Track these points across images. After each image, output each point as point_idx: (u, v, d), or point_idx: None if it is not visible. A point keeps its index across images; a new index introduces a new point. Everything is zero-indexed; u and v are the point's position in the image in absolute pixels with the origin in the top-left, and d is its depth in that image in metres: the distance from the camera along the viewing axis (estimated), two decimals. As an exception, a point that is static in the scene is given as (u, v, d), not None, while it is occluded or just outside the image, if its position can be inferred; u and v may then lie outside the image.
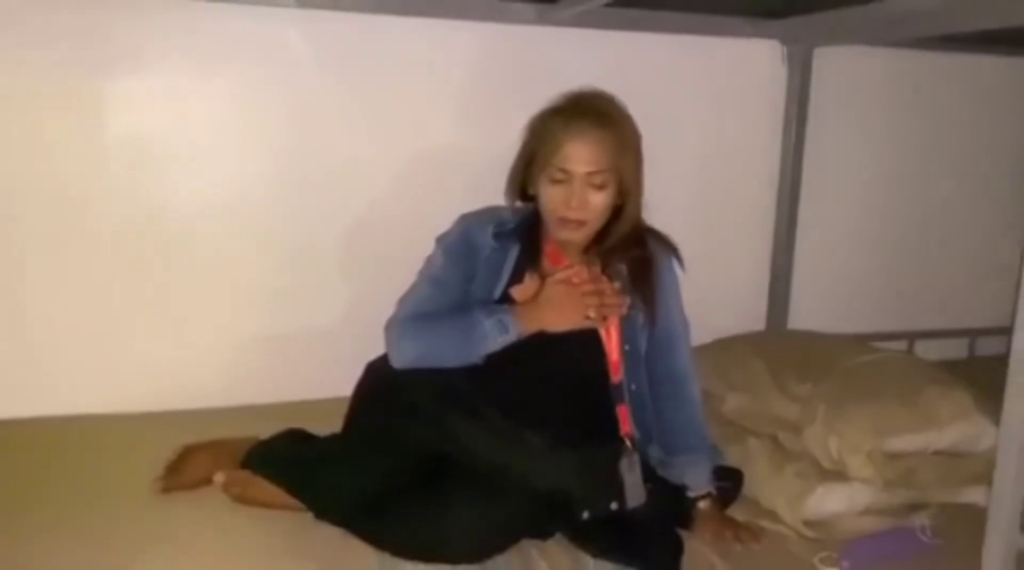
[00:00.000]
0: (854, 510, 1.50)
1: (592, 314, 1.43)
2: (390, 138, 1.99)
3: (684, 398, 1.54)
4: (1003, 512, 1.26)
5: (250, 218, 1.94)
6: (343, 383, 1.64)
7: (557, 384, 1.48)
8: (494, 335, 1.42)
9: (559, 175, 1.44)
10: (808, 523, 1.48)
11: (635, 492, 1.42)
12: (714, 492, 1.51)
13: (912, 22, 1.84)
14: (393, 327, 1.50)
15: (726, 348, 1.95)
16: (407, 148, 2.00)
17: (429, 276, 1.55)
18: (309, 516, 1.41)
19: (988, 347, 2.59)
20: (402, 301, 1.55)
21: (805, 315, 2.35)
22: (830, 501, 1.47)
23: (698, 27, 2.09)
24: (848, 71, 2.30)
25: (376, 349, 1.57)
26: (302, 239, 1.98)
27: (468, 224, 1.56)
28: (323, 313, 2.02)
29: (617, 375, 1.51)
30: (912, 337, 2.51)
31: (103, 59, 1.79)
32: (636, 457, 1.44)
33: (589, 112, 1.46)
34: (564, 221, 1.46)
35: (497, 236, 1.54)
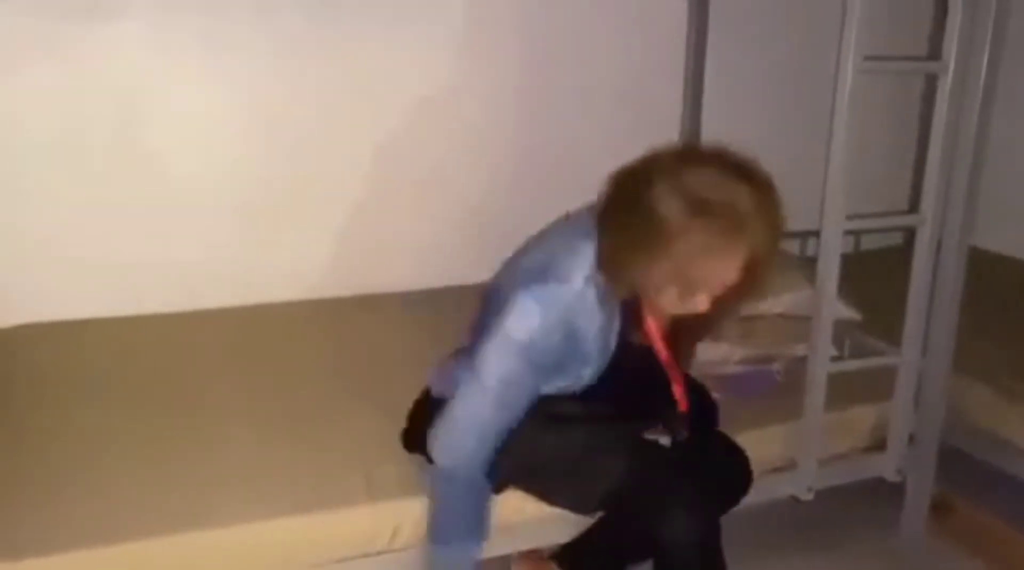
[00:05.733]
0: (731, 359, 1.92)
1: None
2: (362, 78, 2.32)
3: None
4: (818, 351, 1.70)
5: (223, 150, 2.26)
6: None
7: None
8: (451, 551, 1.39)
9: (698, 297, 1.30)
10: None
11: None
12: None
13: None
14: (459, 442, 1.36)
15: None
16: (376, 88, 2.34)
17: (504, 379, 1.33)
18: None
19: (871, 242, 3.03)
20: (472, 394, 1.36)
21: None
22: (707, 352, 1.84)
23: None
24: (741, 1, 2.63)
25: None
26: (272, 172, 2.31)
27: (565, 314, 1.32)
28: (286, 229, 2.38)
29: (684, 405, 1.49)
30: (803, 236, 2.92)
31: (89, 10, 2.05)
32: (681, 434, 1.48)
33: (752, 229, 1.25)
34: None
35: (605, 312, 1.35)
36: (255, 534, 1.42)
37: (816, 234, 1.77)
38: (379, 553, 1.48)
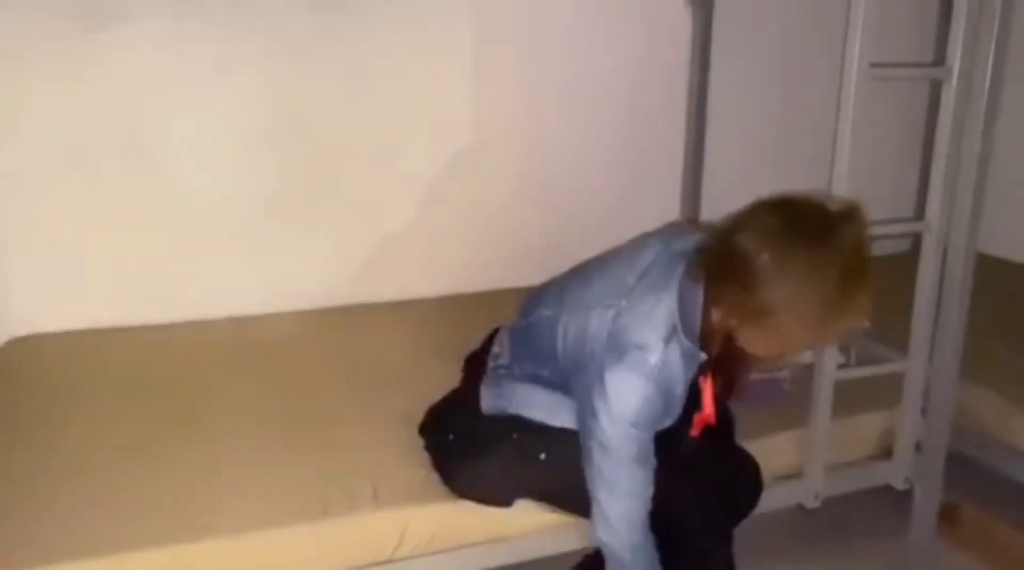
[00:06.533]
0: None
1: None
2: (369, 87, 2.33)
3: None
4: (825, 358, 1.70)
5: (230, 160, 2.26)
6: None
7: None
8: None
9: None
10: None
11: None
12: None
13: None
14: (620, 531, 1.38)
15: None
16: (384, 97, 2.34)
17: (638, 459, 1.36)
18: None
19: (877, 248, 3.01)
20: (611, 480, 1.37)
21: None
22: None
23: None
24: (744, 7, 2.62)
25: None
26: (280, 181, 2.31)
27: (657, 380, 1.33)
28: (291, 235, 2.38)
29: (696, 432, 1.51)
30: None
31: (92, 13, 2.05)
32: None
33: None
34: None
35: (686, 368, 1.37)
36: (262, 542, 1.42)
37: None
38: (386, 561, 1.48)
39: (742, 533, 1.54)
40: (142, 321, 2.19)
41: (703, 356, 1.37)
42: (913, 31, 2.84)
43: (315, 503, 1.47)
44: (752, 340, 1.32)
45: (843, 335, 1.36)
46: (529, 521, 1.52)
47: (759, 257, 1.23)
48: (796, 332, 1.28)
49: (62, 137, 2.11)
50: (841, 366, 1.77)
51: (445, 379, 1.68)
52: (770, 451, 1.71)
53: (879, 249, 2.86)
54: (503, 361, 1.56)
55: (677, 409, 1.41)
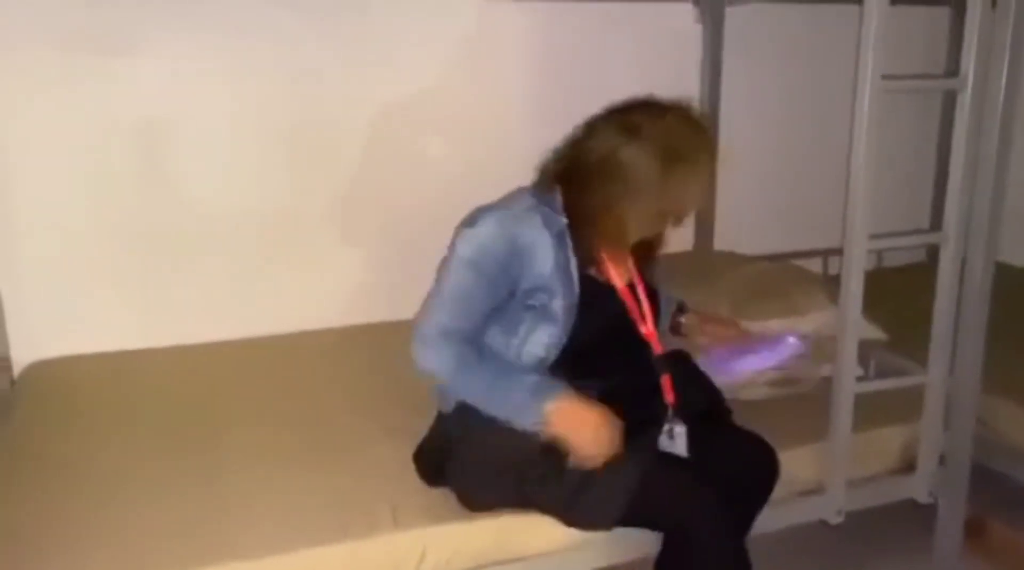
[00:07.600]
0: (758, 380, 1.86)
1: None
2: (380, 101, 2.35)
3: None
4: (844, 370, 1.68)
5: (246, 179, 2.29)
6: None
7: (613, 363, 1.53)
8: (533, 413, 1.40)
9: (670, 220, 1.49)
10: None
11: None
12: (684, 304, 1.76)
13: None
14: (428, 345, 1.47)
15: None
16: (394, 111, 2.37)
17: (456, 295, 1.46)
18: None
19: (893, 259, 3.00)
20: (427, 312, 1.48)
21: (729, 237, 2.75)
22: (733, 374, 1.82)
23: (623, -6, 2.45)
24: (754, 23, 2.65)
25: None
26: (294, 199, 2.34)
27: (506, 226, 1.44)
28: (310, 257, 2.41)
29: (658, 348, 1.55)
30: (825, 254, 2.91)
31: (108, 46, 2.09)
32: (681, 429, 1.49)
33: (712, 156, 1.44)
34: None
35: (553, 236, 1.45)
36: (282, 566, 1.41)
37: (838, 252, 1.76)
38: (405, 583, 1.47)
39: (763, 547, 1.51)
40: (161, 343, 2.21)
41: (563, 221, 1.46)
42: (925, 44, 2.84)
43: (335, 525, 1.47)
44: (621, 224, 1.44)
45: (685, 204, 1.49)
46: (547, 540, 1.51)
47: (593, 157, 1.43)
48: (642, 213, 1.43)
49: (81, 160, 2.14)
50: (860, 379, 1.76)
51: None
52: (790, 465, 1.68)
53: (894, 259, 2.91)
54: None
55: (555, 293, 1.44)
